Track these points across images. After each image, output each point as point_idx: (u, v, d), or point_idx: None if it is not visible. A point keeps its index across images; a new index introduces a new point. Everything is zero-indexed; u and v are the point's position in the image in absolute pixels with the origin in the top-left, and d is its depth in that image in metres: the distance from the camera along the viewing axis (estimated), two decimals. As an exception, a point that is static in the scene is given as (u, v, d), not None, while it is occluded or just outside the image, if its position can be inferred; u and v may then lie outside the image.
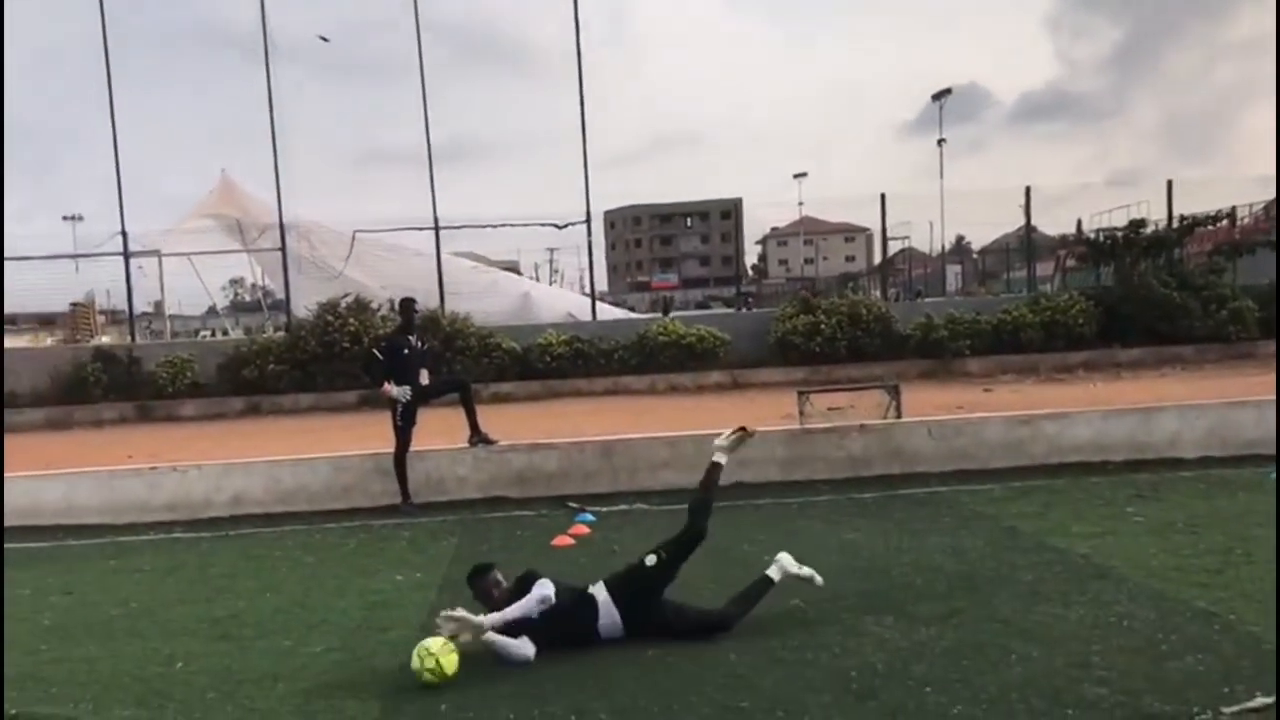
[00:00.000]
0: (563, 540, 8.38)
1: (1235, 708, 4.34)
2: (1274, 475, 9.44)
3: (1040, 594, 6.23)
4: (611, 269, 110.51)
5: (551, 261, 65.86)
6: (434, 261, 24.65)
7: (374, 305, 22.74)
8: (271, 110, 24.94)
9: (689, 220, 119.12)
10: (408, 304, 10.87)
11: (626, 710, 4.74)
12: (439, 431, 11.06)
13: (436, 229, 24.72)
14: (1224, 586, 6.17)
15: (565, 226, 24.88)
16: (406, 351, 10.37)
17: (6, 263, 23.76)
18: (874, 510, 9.05)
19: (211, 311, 39.44)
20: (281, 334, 23.80)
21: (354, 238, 25.73)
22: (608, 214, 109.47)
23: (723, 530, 8.46)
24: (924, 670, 5.00)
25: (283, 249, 24.75)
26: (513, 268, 44.91)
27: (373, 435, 10.41)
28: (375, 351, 10.77)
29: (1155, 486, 9.41)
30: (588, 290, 28.80)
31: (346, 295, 22.88)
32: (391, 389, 10.17)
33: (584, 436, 11.43)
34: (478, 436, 10.60)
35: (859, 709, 4.60)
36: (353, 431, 14.92)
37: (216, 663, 5.78)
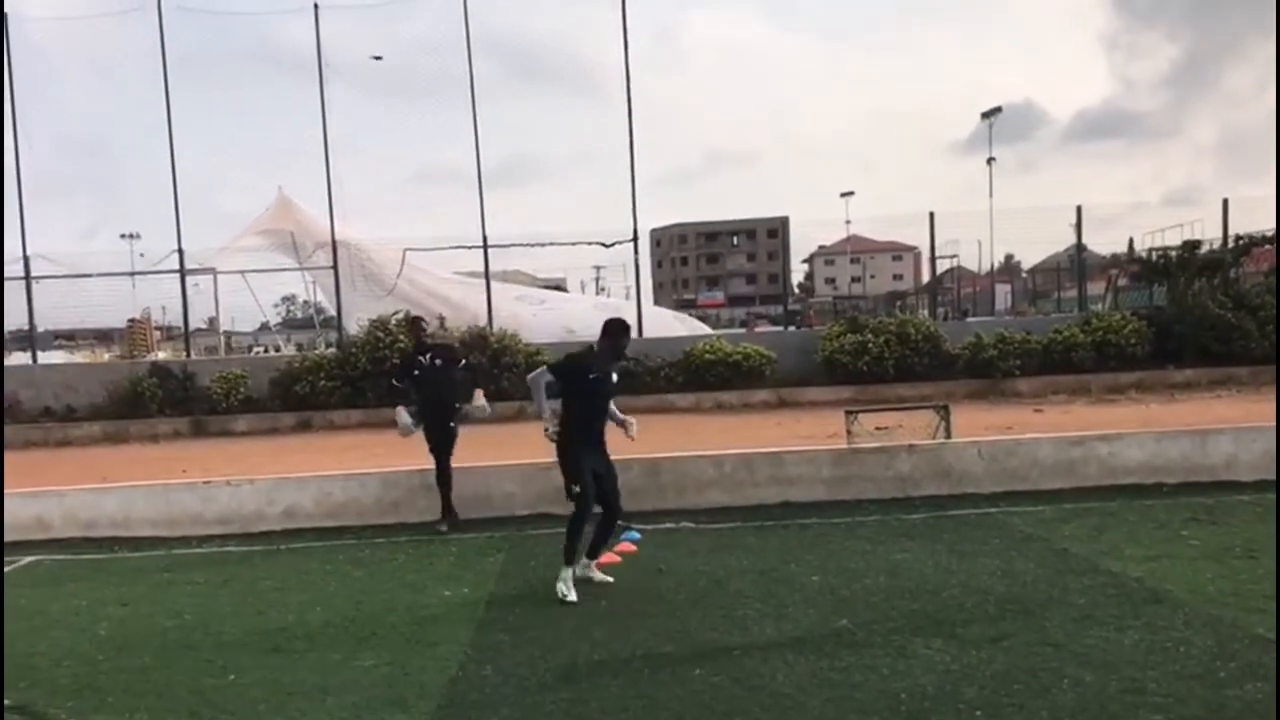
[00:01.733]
0: (609, 558, 8.37)
1: (1295, 737, 4.25)
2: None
3: (1093, 618, 6.15)
4: (658, 286, 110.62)
5: (598, 280, 66.09)
6: (485, 288, 24.86)
7: (424, 323, 22.94)
8: (325, 129, 25.31)
9: (735, 238, 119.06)
10: (415, 323, 11.17)
11: (673, 730, 4.73)
12: (487, 446, 11.13)
13: (485, 247, 24.92)
14: (1283, 613, 6.05)
15: (612, 245, 24.96)
16: (418, 372, 10.38)
17: (68, 280, 24.32)
18: (922, 531, 8.96)
19: (264, 328, 39.97)
20: (333, 350, 24.07)
21: (404, 256, 26.00)
22: (654, 232, 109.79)
23: (769, 550, 8.49)
24: (974, 694, 4.95)
25: (334, 265, 25.08)
26: (559, 285, 45.14)
27: (421, 452, 10.47)
28: (393, 380, 10.89)
29: (1211, 510, 9.23)
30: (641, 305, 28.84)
31: (397, 312, 23.11)
32: (399, 417, 10.27)
33: (630, 454, 11.43)
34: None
35: (908, 732, 4.56)
36: (401, 448, 15.02)
37: (267, 675, 5.86)
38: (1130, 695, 4.82)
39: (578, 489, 7.50)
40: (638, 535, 9.16)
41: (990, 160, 59.89)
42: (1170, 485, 10.33)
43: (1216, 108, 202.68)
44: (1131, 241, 30.62)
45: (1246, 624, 5.86)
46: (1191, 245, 24.74)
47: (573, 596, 7.23)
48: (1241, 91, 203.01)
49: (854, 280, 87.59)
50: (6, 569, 9.06)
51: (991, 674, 5.23)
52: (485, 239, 24.91)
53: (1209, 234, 25.71)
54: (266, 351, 36.96)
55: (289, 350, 34.66)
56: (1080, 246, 26.81)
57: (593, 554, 7.76)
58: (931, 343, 22.39)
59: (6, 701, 5.54)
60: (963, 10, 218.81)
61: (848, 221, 65.83)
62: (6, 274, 23.58)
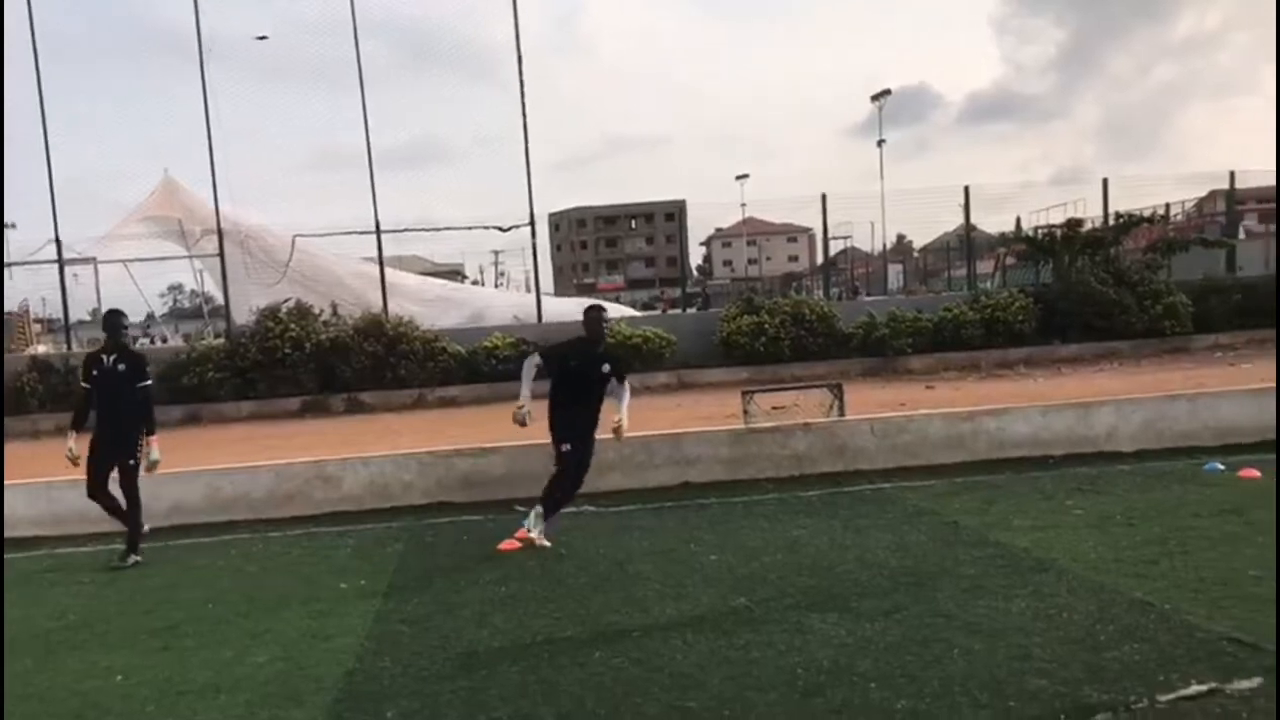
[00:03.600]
0: (510, 545, 8.33)
1: (1171, 695, 4.43)
2: (1210, 467, 9.66)
3: (983, 588, 6.31)
4: (557, 271, 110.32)
5: (497, 265, 65.55)
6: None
7: (316, 311, 22.48)
8: (207, 110, 24.51)
9: (633, 222, 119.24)
10: (111, 318, 9.12)
11: (572, 715, 4.72)
12: (382, 435, 10.97)
13: (379, 233, 24.49)
14: (1160, 577, 6.30)
15: (509, 229, 24.80)
16: (96, 373, 8.83)
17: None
18: (819, 508, 9.10)
19: (150, 319, 38.72)
20: (221, 341, 23.44)
21: (294, 242, 25.41)
22: (552, 216, 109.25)
23: (669, 531, 8.54)
24: (868, 666, 5.05)
25: (221, 253, 24.39)
26: (458, 271, 44.64)
27: (316, 443, 10.28)
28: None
29: (1094, 480, 9.56)
30: (541, 292, 28.68)
31: (288, 300, 22.61)
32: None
33: (528, 440, 11.37)
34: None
35: (805, 706, 4.63)
36: (296, 439, 14.75)
37: (157, 674, 5.68)
38: (1017, 661, 4.96)
39: (567, 447, 8.42)
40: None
41: (880, 142, 60.73)
42: (1056, 457, 10.67)
43: (1100, 91, 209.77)
44: (1019, 221, 31.54)
45: (1125, 588, 6.08)
46: (1074, 224, 25.56)
47: (544, 541, 8.13)
48: (1123, 75, 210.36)
49: (750, 262, 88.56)
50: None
51: (885, 646, 5.33)
52: (378, 224, 24.49)
53: (1093, 212, 26.63)
54: (153, 343, 35.82)
55: (176, 341, 33.64)
56: (969, 227, 27.52)
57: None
58: (826, 323, 22.75)
59: None
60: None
61: (743, 204, 66.34)
62: None
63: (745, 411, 11.10)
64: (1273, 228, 45.95)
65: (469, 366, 21.77)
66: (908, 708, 4.50)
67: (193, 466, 11.06)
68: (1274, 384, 11.28)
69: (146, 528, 9.06)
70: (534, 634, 6.01)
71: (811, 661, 5.17)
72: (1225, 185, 28.45)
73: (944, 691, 4.64)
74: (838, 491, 9.75)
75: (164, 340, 36.49)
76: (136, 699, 5.31)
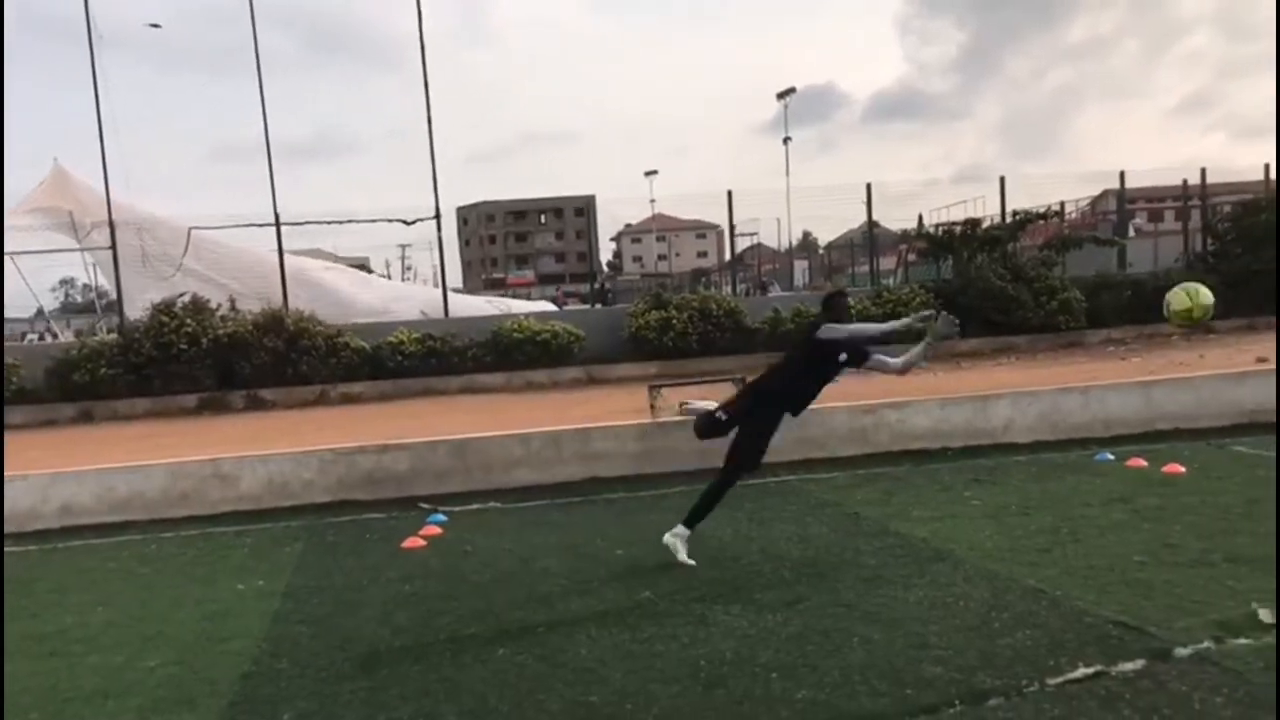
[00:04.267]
0: (414, 542, 8.23)
1: (1060, 679, 4.56)
2: (1101, 457, 9.98)
3: (882, 578, 6.42)
4: (466, 265, 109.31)
5: (404, 258, 64.74)
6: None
7: (213, 305, 21.92)
8: (98, 98, 23.73)
9: (543, 217, 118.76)
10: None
11: (475, 712, 4.68)
12: (283, 432, 10.74)
13: (278, 225, 23.95)
14: (1052, 564, 6.47)
15: (414, 222, 24.49)
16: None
17: None
18: (725, 500, 9.13)
19: (40, 314, 37.33)
20: (114, 336, 22.71)
21: (189, 234, 24.73)
22: (460, 210, 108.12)
23: (576, 526, 8.52)
24: (770, 657, 5.10)
25: (113, 246, 23.61)
26: (364, 265, 43.96)
27: (215, 441, 10.02)
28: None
29: (991, 471, 9.81)
30: (452, 288, 28.36)
31: (184, 294, 22.00)
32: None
33: (437, 435, 11.26)
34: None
35: (707, 698, 4.65)
36: (191, 437, 14.37)
37: (43, 681, 5.48)
38: (914, 650, 5.06)
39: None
40: (444, 518, 9.04)
41: (786, 140, 61.55)
42: (954, 449, 10.92)
43: (1000, 91, 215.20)
44: (921, 218, 32.16)
45: (1019, 576, 6.24)
46: (973, 222, 26.16)
47: (683, 558, 7.04)
48: (1022, 77, 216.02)
49: (660, 258, 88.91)
50: None
51: (787, 636, 5.39)
52: (277, 217, 23.96)
53: (992, 210, 27.29)
54: (42, 339, 34.56)
55: (67, 337, 32.48)
56: (872, 224, 27.97)
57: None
58: (733, 317, 22.96)
59: None
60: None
61: (652, 200, 66.70)
62: None
63: (652, 406, 11.13)
64: (1161, 226, 47.66)
65: (373, 362, 21.46)
66: (808, 697, 4.56)
67: (84, 465, 10.69)
68: (1156, 377, 11.70)
69: None
70: (437, 632, 5.94)
71: (714, 653, 5.21)
72: (1117, 185, 29.37)
73: (844, 681, 4.71)
74: (744, 484, 9.72)
75: (54, 336, 35.22)
76: (19, 706, 5.12)
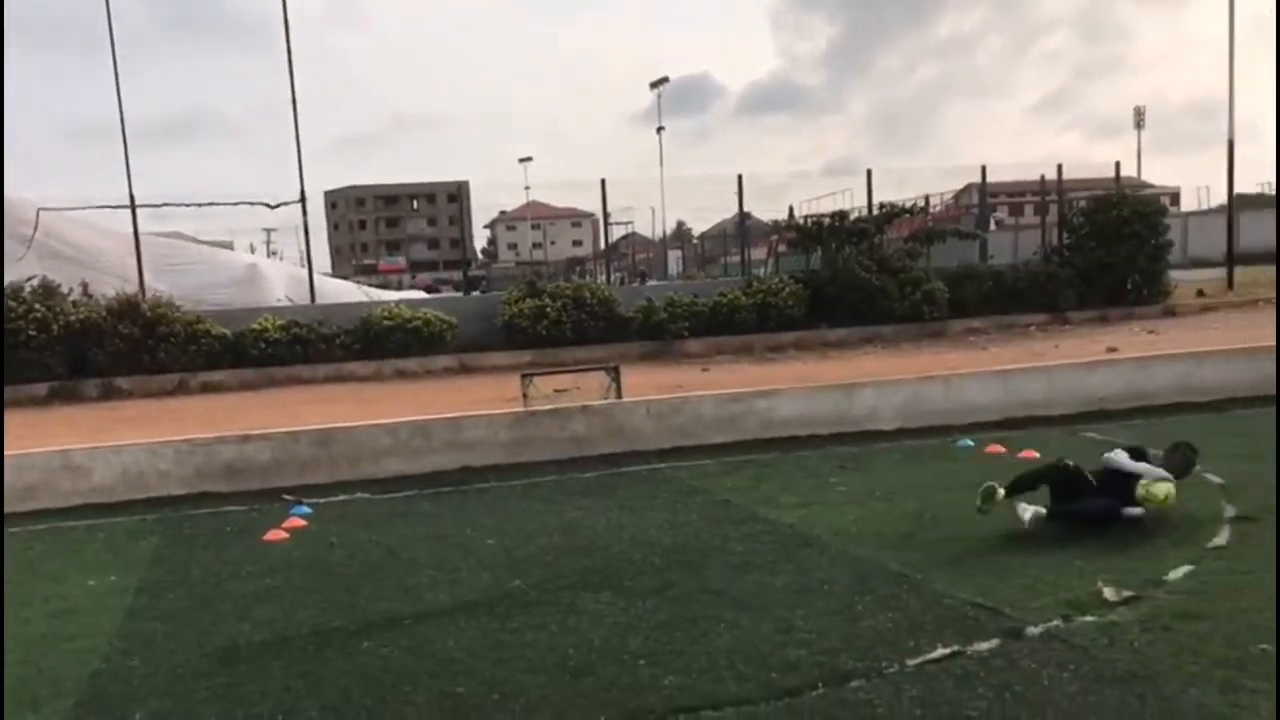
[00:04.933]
0: (276, 535, 8.00)
1: (918, 659, 4.69)
2: (961, 444, 10.30)
3: (750, 563, 6.51)
4: (335, 251, 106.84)
5: (269, 243, 62.95)
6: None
7: (64, 290, 20.88)
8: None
9: (415, 202, 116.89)
10: None
11: (337, 706, 4.57)
12: (140, 422, 10.31)
13: (133, 207, 22.90)
14: (913, 548, 6.66)
15: (277, 206, 23.69)
16: None
17: None
18: (596, 489, 9.17)
19: None
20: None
21: (38, 215, 23.48)
22: (328, 194, 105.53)
23: (446, 516, 8.41)
24: (639, 644, 5.11)
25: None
26: (227, 250, 42.45)
27: (66, 432, 9.55)
28: None
29: (856, 458, 10.03)
30: (320, 273, 27.58)
31: (32, 278, 20.89)
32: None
33: (301, 425, 10.96)
34: None
35: (574, 686, 4.64)
36: (42, 427, 13.68)
37: None
38: (780, 634, 5.14)
39: None
40: (308, 510, 8.81)
41: (660, 130, 62.02)
42: (822, 436, 11.11)
43: (870, 86, 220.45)
44: (791, 210, 32.64)
45: (882, 560, 6.40)
46: (840, 214, 26.67)
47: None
48: (891, 72, 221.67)
49: (535, 246, 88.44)
50: None
51: (656, 623, 5.42)
52: (133, 198, 22.84)
53: (861, 202, 27.84)
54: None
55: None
56: (743, 215, 28.29)
57: None
58: (606, 306, 22.93)
59: None
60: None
61: (527, 188, 66.26)
62: None
63: (525, 394, 11.05)
64: (1021, 220, 49.48)
65: (236, 350, 20.73)
66: (675, 683, 4.59)
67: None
68: (1013, 366, 12.14)
69: None
70: (299, 626, 5.79)
71: (583, 641, 5.20)
72: (980, 179, 30.32)
73: (710, 666, 4.76)
74: (615, 472, 9.85)
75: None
76: None
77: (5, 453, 9.58)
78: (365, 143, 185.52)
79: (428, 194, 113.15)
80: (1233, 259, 32.48)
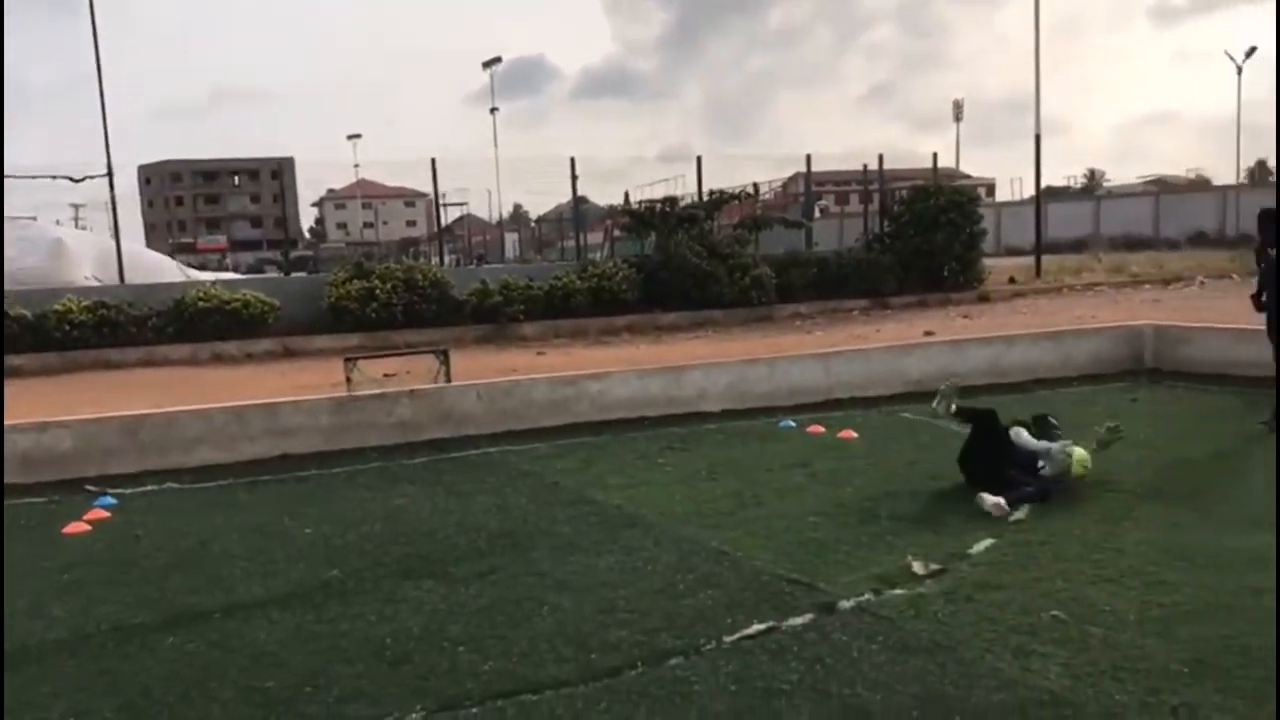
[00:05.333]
0: (77, 527, 7.54)
1: (735, 635, 4.78)
2: (784, 424, 10.55)
3: (576, 545, 6.50)
4: (150, 228, 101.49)
5: (77, 219, 59.56)
6: None
7: None
8: None
9: (236, 179, 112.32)
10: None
11: (136, 705, 4.34)
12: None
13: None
14: (734, 527, 6.78)
15: (82, 180, 22.42)
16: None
17: None
18: (423, 475, 9.00)
19: None
20: None
21: None
22: (142, 169, 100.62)
23: (263, 505, 8.11)
24: (459, 630, 5.04)
25: None
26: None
27: None
28: None
29: (684, 439, 10.15)
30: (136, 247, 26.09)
31: None
32: None
33: (108, 411, 10.38)
34: None
35: (392, 675, 4.54)
36: None
37: None
38: (602, 614, 5.15)
39: None
40: (112, 500, 8.34)
41: (493, 110, 61.37)
42: (652, 418, 11.19)
43: (704, 74, 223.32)
44: (627, 195, 32.85)
45: (704, 539, 6.49)
46: (670, 200, 26.99)
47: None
48: (724, 60, 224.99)
49: (366, 226, 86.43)
50: None
51: (478, 608, 5.35)
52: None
53: (693, 189, 28.20)
54: None
55: None
56: (577, 198, 28.30)
57: None
58: (439, 289, 22.57)
59: None
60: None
61: (356, 165, 64.64)
62: None
63: (348, 379, 10.75)
64: (848, 208, 51.12)
65: (36, 332, 19.50)
66: (495, 668, 4.54)
67: None
68: (835, 349, 12.51)
69: None
70: (99, 622, 5.47)
71: (402, 630, 5.09)
72: (807, 168, 31.11)
73: (531, 650, 4.73)
74: (443, 457, 9.69)
75: None
76: None
77: None
78: (183, 116, 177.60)
79: (250, 170, 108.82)
80: (1040, 247, 34.37)
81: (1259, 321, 9.54)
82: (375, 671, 4.58)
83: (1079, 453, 7.14)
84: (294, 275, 29.60)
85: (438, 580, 5.89)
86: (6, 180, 22.22)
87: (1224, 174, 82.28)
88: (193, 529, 7.44)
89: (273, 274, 40.85)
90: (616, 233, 33.51)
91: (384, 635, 5.02)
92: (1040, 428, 7.63)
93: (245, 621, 5.35)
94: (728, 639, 4.73)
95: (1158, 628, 4.66)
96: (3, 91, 20.73)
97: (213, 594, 5.88)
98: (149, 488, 8.88)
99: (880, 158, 29.14)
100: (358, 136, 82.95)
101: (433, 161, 24.90)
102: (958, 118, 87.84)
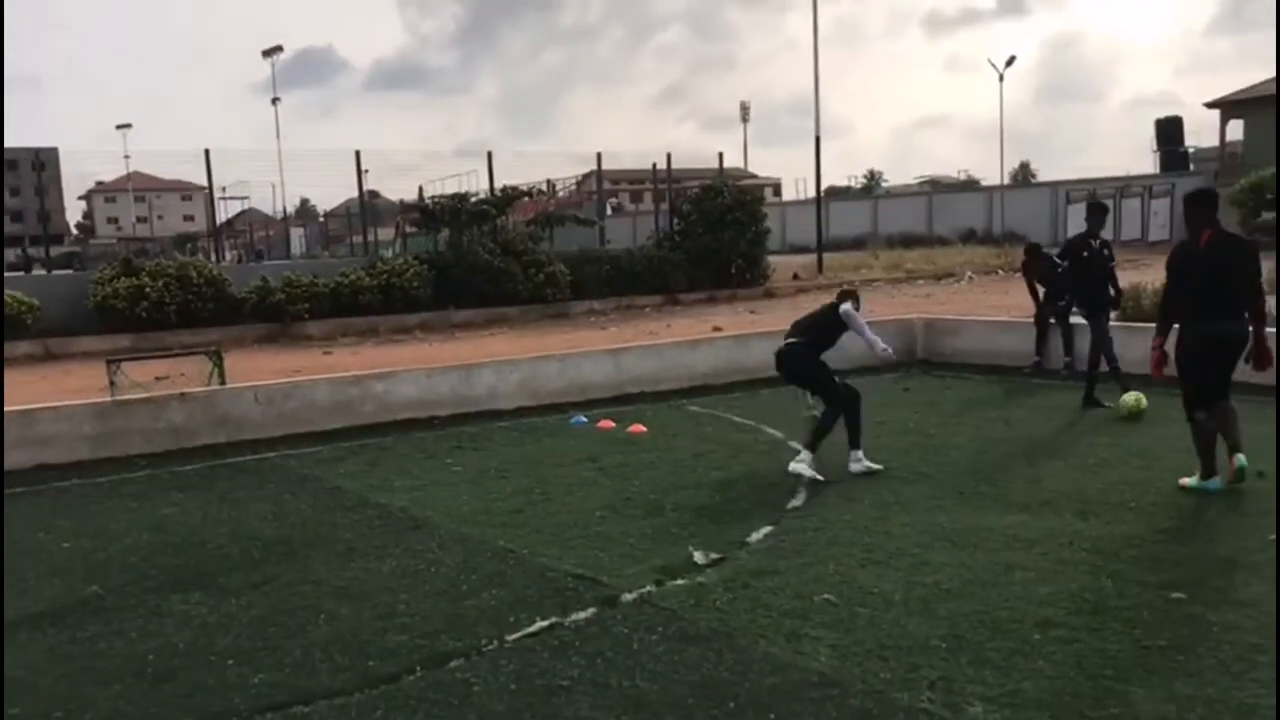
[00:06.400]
0: None
1: (518, 634, 4.76)
2: (575, 420, 10.59)
3: (357, 550, 6.33)
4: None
5: None
6: None
7: None
8: None
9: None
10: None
11: None
12: None
13: None
14: (523, 524, 6.75)
15: None
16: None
17: None
18: (196, 482, 8.57)
19: None
20: None
21: None
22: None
23: (16, 520, 7.54)
24: (228, 643, 4.82)
25: None
26: None
27: None
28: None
29: (475, 438, 10.04)
30: None
31: None
32: None
33: None
34: None
35: (153, 694, 4.30)
36: None
37: None
38: (381, 620, 5.03)
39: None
40: None
41: (275, 100, 59.22)
42: (441, 417, 11.02)
43: (499, 69, 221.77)
44: (421, 190, 32.31)
45: (491, 538, 6.44)
46: (461, 196, 26.71)
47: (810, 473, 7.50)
48: (519, 55, 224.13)
49: (140, 220, 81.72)
50: None
51: (249, 620, 5.13)
52: None
53: (488, 184, 27.98)
54: None
55: None
56: (363, 193, 27.62)
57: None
58: (216, 286, 21.60)
59: None
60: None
61: (126, 156, 61.07)
62: None
63: (112, 382, 10.11)
64: (641, 206, 51.84)
65: None
66: (265, 680, 4.36)
67: None
68: (626, 345, 12.66)
69: None
70: None
71: (166, 646, 4.83)
72: (604, 166, 31.39)
73: (305, 660, 4.57)
74: (218, 464, 9.26)
75: None
76: None
77: None
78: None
79: (8, 161, 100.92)
80: (823, 245, 35.85)
81: (1022, 313, 10.48)
82: (135, 691, 4.32)
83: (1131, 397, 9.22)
84: (56, 273, 27.68)
85: (207, 592, 5.61)
86: None
87: (991, 175, 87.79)
88: (-69, 549, 6.83)
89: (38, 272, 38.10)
90: (410, 229, 32.91)
91: (146, 652, 4.74)
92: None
93: (-14, 646, 4.94)
94: (510, 638, 4.71)
95: (920, 606, 4.91)
96: (2, 90, 18.60)
97: (-48, 619, 5.42)
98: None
99: (669, 156, 29.72)
100: (128, 126, 78.55)
101: (206, 153, 23.79)
102: (745, 119, 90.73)
